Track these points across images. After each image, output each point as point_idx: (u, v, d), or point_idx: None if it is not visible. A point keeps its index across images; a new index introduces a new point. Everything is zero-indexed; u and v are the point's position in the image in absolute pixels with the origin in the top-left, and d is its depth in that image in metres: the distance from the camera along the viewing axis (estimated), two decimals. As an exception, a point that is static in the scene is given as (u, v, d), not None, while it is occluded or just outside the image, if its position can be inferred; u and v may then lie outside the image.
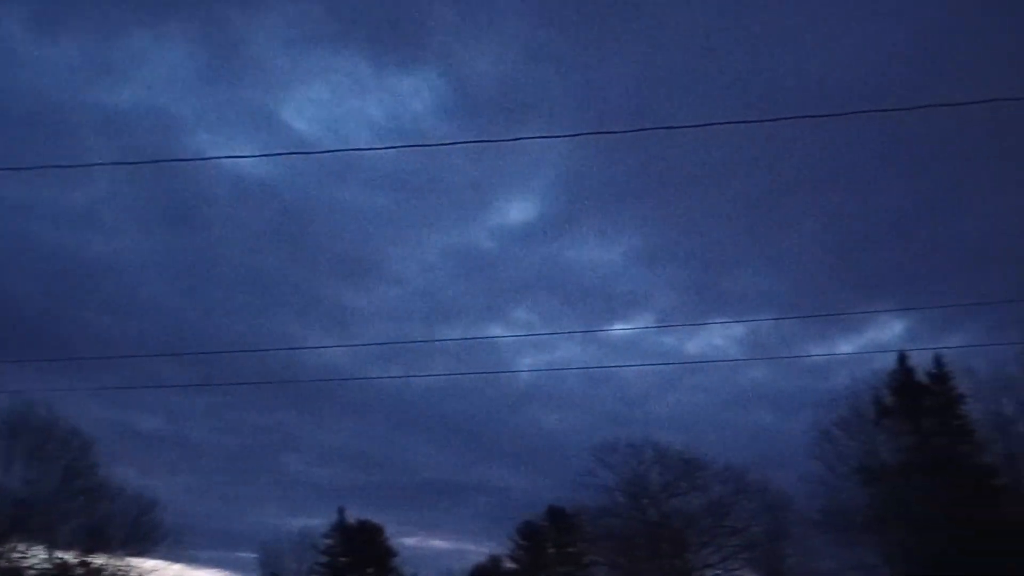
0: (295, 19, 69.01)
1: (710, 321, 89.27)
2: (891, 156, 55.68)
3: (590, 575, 56.85)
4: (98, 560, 44.83)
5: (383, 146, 65.93)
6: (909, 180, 59.40)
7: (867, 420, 42.02)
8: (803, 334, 51.86)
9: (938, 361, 41.50)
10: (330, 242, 72.34)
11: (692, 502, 49.67)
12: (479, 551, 65.94)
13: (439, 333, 73.15)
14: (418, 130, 69.03)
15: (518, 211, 75.69)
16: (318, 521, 59.65)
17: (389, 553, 59.47)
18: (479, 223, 73.89)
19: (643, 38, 65.80)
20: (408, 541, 66.23)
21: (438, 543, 71.35)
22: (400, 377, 58.19)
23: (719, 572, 49.87)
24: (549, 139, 48.88)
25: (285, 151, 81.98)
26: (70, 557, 44.62)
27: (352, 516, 59.24)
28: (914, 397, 41.65)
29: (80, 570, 44.41)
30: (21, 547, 43.28)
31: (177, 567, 47.58)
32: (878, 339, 54.66)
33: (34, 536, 43.67)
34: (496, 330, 72.32)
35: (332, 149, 56.79)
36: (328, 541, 58.60)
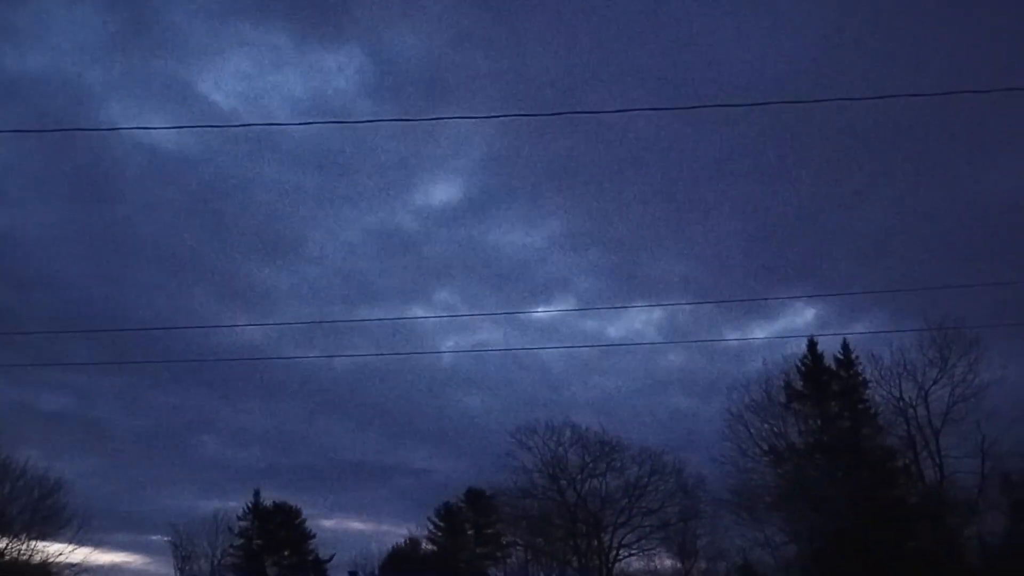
0: (215, -11, 67.07)
1: (630, 305, 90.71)
2: (803, 147, 57.33)
3: (508, 556, 57.51)
4: (-1, 544, 43.09)
5: (304, 121, 64.89)
6: (818, 171, 61.30)
7: (778, 403, 43.34)
8: (719, 320, 53.20)
9: (845, 347, 43.02)
10: (249, 219, 70.93)
11: (609, 483, 50.79)
12: (398, 533, 66.11)
13: (360, 314, 72.53)
14: (341, 107, 68.12)
15: (442, 192, 75.45)
16: (233, 503, 58.79)
17: (306, 535, 58.93)
18: (402, 203, 73.44)
19: (569, 25, 66.27)
20: (326, 523, 65.86)
21: (357, 525, 71.15)
22: (320, 357, 57.31)
23: (634, 551, 51.15)
24: (474, 121, 48.86)
25: (201, 124, 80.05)
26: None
27: (269, 498, 58.63)
28: (821, 381, 43.08)
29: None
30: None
31: (84, 551, 45.97)
32: (791, 325, 56.50)
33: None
34: (418, 311, 72.07)
35: (251, 123, 55.45)
36: (243, 523, 57.77)
